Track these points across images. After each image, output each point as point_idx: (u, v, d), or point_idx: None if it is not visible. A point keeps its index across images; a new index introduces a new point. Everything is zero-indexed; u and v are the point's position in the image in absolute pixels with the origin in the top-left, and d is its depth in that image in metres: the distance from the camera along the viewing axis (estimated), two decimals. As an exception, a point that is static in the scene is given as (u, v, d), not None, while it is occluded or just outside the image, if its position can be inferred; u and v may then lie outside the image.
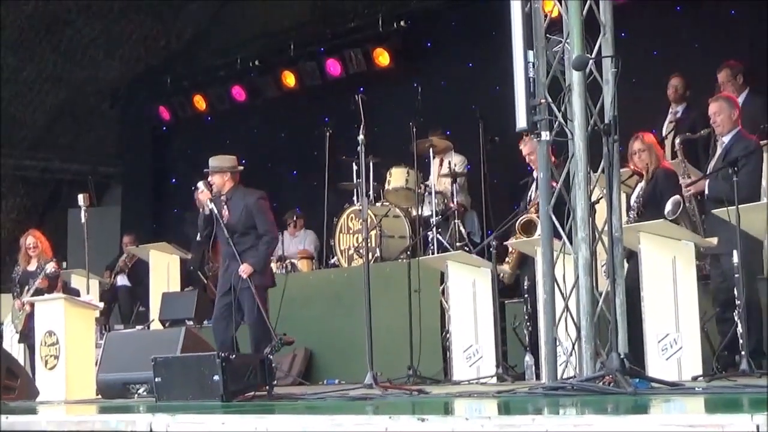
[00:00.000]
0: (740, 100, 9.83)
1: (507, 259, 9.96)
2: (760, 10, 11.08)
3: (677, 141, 9.31)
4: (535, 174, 9.86)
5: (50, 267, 11.23)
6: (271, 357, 8.21)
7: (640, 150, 8.90)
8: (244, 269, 9.76)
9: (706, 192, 8.52)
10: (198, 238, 11.40)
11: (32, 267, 11.61)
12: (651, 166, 8.86)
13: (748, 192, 7.90)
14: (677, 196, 8.49)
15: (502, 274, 9.95)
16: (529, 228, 9.66)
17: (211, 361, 7.52)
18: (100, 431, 6.16)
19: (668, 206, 8.46)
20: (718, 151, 8.66)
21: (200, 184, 10.20)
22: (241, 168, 10.35)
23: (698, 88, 10.93)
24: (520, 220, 9.77)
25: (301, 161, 15.24)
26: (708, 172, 8.63)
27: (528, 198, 9.95)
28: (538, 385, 7.17)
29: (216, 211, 9.94)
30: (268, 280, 10.15)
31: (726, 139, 8.52)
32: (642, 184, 8.90)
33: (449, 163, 12.27)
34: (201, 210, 10.21)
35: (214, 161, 10.26)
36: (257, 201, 10.07)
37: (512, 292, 10.19)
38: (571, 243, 7.25)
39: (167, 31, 17.68)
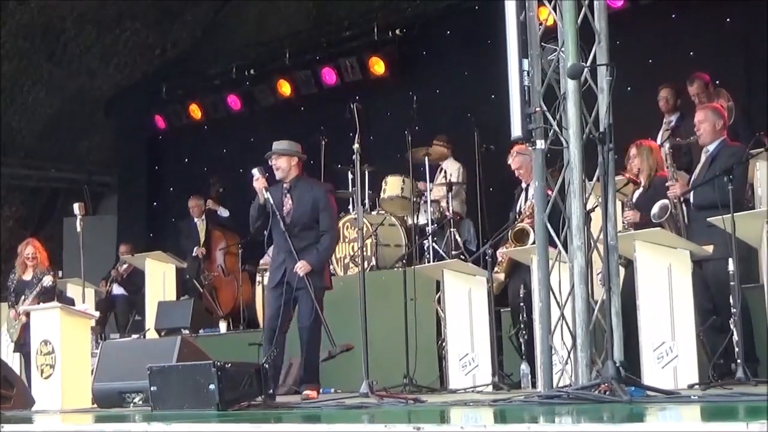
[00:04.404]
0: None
1: (496, 269, 9.95)
2: (756, 17, 11.10)
3: (666, 146, 9.34)
4: (523, 185, 9.92)
5: (48, 281, 11.16)
6: (267, 366, 8.19)
7: (633, 156, 8.98)
8: (302, 266, 9.19)
9: (692, 198, 8.51)
10: (250, 229, 10.77)
11: (28, 276, 11.58)
12: (645, 173, 8.90)
13: (736, 199, 7.91)
14: (665, 201, 8.52)
15: (493, 282, 9.96)
16: (521, 237, 9.68)
17: (206, 370, 7.51)
18: (96, 440, 6.15)
19: (655, 209, 8.50)
20: (702, 158, 8.69)
21: (255, 171, 9.45)
22: (305, 156, 9.80)
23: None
24: (512, 229, 9.78)
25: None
26: (694, 178, 8.64)
27: (517, 209, 9.98)
28: (534, 394, 7.16)
29: (272, 202, 9.33)
30: (327, 282, 9.61)
31: (711, 147, 8.55)
32: (639, 191, 8.94)
33: (444, 171, 12.30)
34: (255, 198, 9.63)
35: (281, 144, 9.55)
36: (327, 194, 9.55)
37: (502, 300, 10.16)
38: (566, 251, 7.25)
39: (163, 40, 17.68)
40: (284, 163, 9.51)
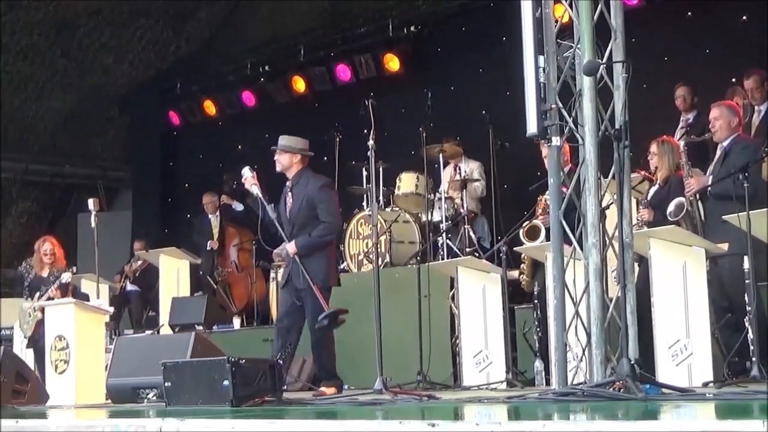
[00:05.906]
0: (763, 108, 9.95)
1: (522, 266, 9.94)
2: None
3: (681, 143, 9.33)
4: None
5: (66, 277, 11.17)
6: (281, 362, 8.19)
7: (653, 153, 8.94)
8: (289, 247, 9.17)
9: (710, 190, 8.49)
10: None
11: (44, 273, 11.61)
12: (663, 171, 8.87)
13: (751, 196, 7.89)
14: (681, 199, 8.49)
15: (522, 282, 9.95)
16: (534, 233, 9.65)
17: (220, 366, 7.51)
18: (110, 436, 6.15)
19: (671, 207, 8.47)
20: (717, 153, 8.67)
21: (245, 171, 9.47)
22: (312, 153, 9.61)
23: (710, 93, 10.87)
24: (524, 226, 9.75)
25: (311, 166, 15.22)
26: (709, 174, 8.62)
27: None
28: (548, 391, 7.15)
29: (262, 198, 9.28)
30: (332, 280, 9.45)
31: (726, 143, 8.54)
32: (655, 188, 8.92)
33: (458, 168, 12.28)
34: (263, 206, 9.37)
35: (284, 140, 9.44)
36: (320, 188, 9.33)
37: (523, 297, 10.16)
38: (581, 248, 7.24)
39: (177, 36, 17.72)
40: (286, 159, 9.42)
